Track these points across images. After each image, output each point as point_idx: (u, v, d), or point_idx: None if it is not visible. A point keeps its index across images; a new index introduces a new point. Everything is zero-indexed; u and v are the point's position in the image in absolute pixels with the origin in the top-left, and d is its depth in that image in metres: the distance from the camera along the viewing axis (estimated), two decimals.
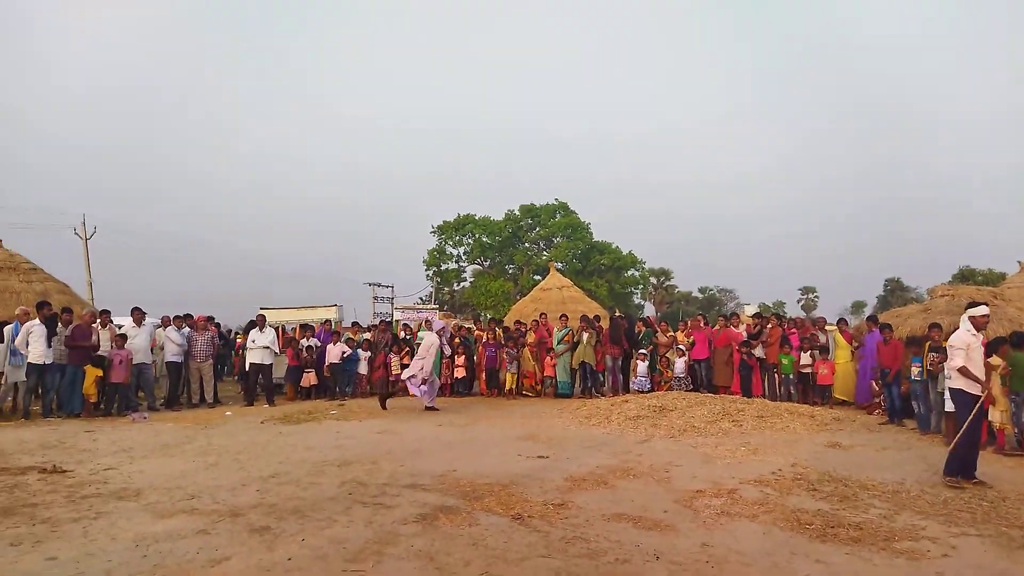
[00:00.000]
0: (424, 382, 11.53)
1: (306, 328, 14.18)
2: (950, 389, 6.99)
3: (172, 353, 12.10)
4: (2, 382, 10.64)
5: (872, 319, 11.78)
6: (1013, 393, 7.94)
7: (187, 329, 12.59)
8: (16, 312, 11.17)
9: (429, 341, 11.74)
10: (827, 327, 13.13)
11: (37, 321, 10.46)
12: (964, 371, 6.58)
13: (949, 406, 7.53)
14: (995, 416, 7.65)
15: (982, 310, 6.78)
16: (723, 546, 4.68)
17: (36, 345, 10.25)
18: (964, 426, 6.45)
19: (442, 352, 13.05)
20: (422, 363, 11.51)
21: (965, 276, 46.66)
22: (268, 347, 12.18)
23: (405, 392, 12.32)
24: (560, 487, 6.21)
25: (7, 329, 10.60)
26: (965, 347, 6.62)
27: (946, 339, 7.56)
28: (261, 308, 14.61)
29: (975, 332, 6.73)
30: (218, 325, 14.60)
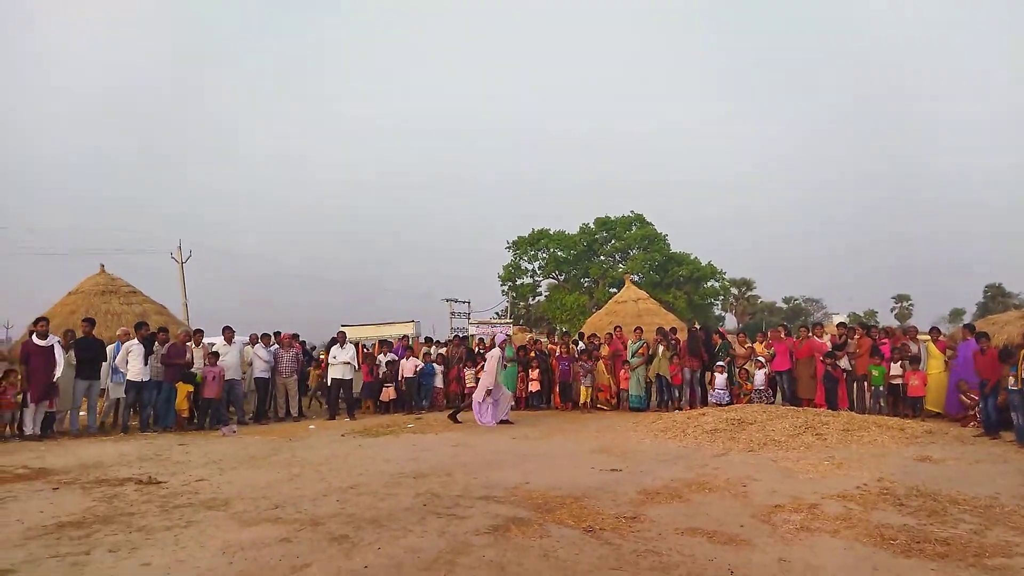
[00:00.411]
0: (488, 396, 11.69)
1: (384, 344, 14.61)
2: None
3: (260, 369, 12.70)
4: (105, 398, 11.47)
5: (968, 327, 11.14)
6: None
7: (274, 346, 13.17)
8: (117, 333, 12.07)
9: (491, 357, 11.95)
10: (919, 336, 12.47)
11: (136, 341, 11.21)
12: None
13: None
14: None
15: None
16: (801, 561, 4.54)
17: (135, 363, 11.01)
18: None
19: (504, 363, 13.36)
20: (485, 379, 11.81)
21: None
22: (348, 362, 12.62)
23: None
24: (633, 500, 6.16)
25: (109, 349, 11.41)
26: None
27: None
28: (342, 325, 15.19)
29: None
30: (303, 343, 15.22)
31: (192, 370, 11.70)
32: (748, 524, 5.42)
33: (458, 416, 11.82)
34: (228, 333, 12.41)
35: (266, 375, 12.76)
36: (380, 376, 13.74)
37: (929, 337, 12.09)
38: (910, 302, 64.58)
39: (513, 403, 12.49)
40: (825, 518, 5.55)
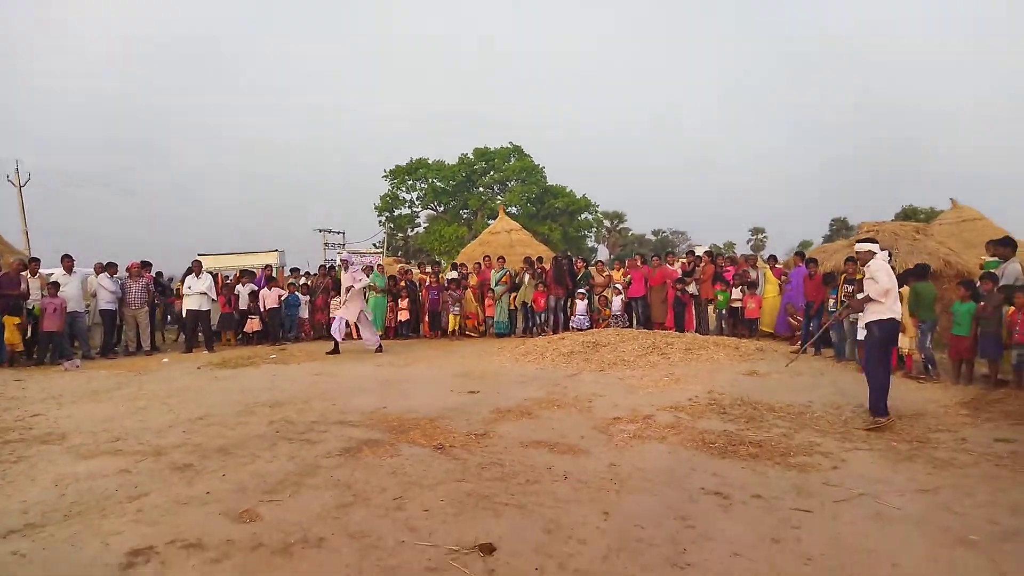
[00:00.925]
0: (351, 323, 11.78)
1: (246, 274, 14.08)
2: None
3: (105, 301, 11.90)
4: None
5: (799, 254, 12.20)
6: (920, 321, 8.42)
7: (121, 276, 12.37)
8: None
9: (353, 281, 11.82)
10: (759, 264, 13.53)
11: None
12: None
13: (861, 334, 7.89)
14: (903, 343, 8.12)
15: (861, 245, 6.74)
16: (629, 465, 4.99)
17: None
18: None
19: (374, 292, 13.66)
20: (346, 304, 11.78)
21: (908, 214, 47.99)
22: (205, 293, 12.08)
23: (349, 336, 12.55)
24: (485, 419, 6.46)
25: None
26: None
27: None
28: (198, 254, 14.44)
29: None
30: (159, 274, 14.35)
31: (28, 302, 10.80)
32: (588, 435, 5.86)
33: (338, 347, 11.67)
34: (67, 262, 11.47)
35: (112, 307, 11.98)
36: (240, 307, 13.30)
37: (767, 264, 13.17)
38: (764, 234, 69.50)
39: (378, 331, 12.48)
40: (657, 427, 6.09)
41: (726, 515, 3.98)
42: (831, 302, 9.80)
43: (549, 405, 7.06)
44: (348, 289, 11.63)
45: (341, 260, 12.85)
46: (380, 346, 11.86)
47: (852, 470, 4.88)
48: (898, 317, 6.42)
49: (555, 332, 13.01)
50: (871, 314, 6.36)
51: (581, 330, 12.41)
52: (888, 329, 6.37)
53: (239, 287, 13.53)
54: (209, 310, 12.34)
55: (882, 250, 6.82)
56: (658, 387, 7.91)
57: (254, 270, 14.67)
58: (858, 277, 6.76)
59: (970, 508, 4.06)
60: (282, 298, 13.56)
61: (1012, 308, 7.52)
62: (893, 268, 7.54)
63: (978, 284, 8.29)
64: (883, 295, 6.26)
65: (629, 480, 4.64)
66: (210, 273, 13.12)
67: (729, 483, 4.56)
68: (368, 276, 12.73)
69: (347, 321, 11.92)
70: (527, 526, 3.79)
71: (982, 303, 7.84)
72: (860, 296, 6.62)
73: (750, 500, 4.22)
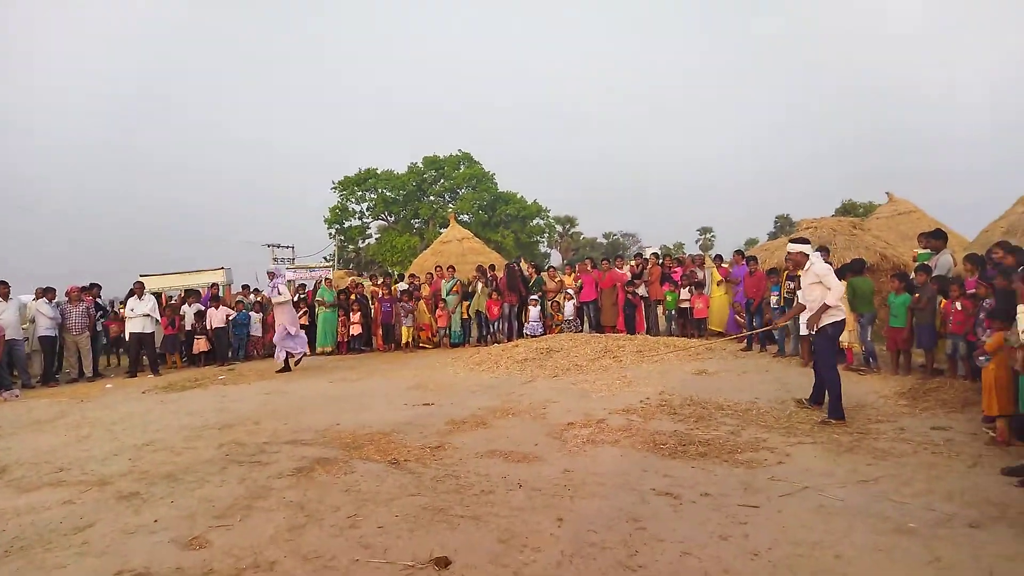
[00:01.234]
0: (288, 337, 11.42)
1: (191, 293, 13.75)
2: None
3: (44, 327, 11.47)
4: None
5: (738, 252, 12.52)
6: (859, 315, 8.72)
7: (60, 301, 11.94)
8: None
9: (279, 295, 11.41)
10: (706, 264, 13.84)
11: None
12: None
13: (803, 330, 8.12)
14: (843, 336, 8.39)
15: (793, 245, 6.84)
16: (583, 470, 5.05)
17: None
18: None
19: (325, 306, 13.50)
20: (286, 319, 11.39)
21: (847, 209, 49.67)
22: (148, 315, 11.75)
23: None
24: (440, 431, 6.45)
25: None
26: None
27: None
28: (141, 275, 14.03)
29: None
30: (98, 297, 13.85)
31: None
32: (542, 442, 5.90)
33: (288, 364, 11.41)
34: (2, 288, 11.02)
35: (52, 333, 11.56)
36: (185, 328, 12.98)
37: (714, 264, 13.48)
38: (712, 233, 71.01)
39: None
40: (609, 431, 6.17)
41: (676, 515, 4.06)
42: (773, 298, 10.09)
43: (504, 414, 7.09)
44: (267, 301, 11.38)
45: (267, 273, 12.41)
46: (288, 365, 11.32)
47: (797, 464, 5.02)
48: (844, 315, 6.64)
49: (509, 340, 13.06)
50: (826, 316, 6.48)
51: (535, 336, 12.49)
52: (840, 328, 6.62)
53: (184, 307, 13.20)
54: (153, 332, 12.00)
55: (816, 250, 7.00)
56: (611, 390, 8.02)
57: (199, 289, 14.32)
58: (798, 274, 6.94)
59: (908, 497, 4.22)
60: (229, 317, 13.27)
61: (946, 299, 7.83)
62: (831, 264, 7.81)
63: (912, 276, 8.62)
64: (840, 299, 6.48)
65: (583, 485, 4.69)
66: (153, 294, 12.78)
67: (679, 483, 4.66)
68: (284, 286, 11.90)
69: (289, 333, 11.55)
70: (482, 537, 3.80)
71: (916, 295, 8.15)
72: (805, 299, 6.72)
73: (699, 499, 4.32)
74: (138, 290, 11.97)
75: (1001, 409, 5.32)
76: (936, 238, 9.09)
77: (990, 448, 5.17)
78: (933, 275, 8.25)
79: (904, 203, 20.15)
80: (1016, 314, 5.03)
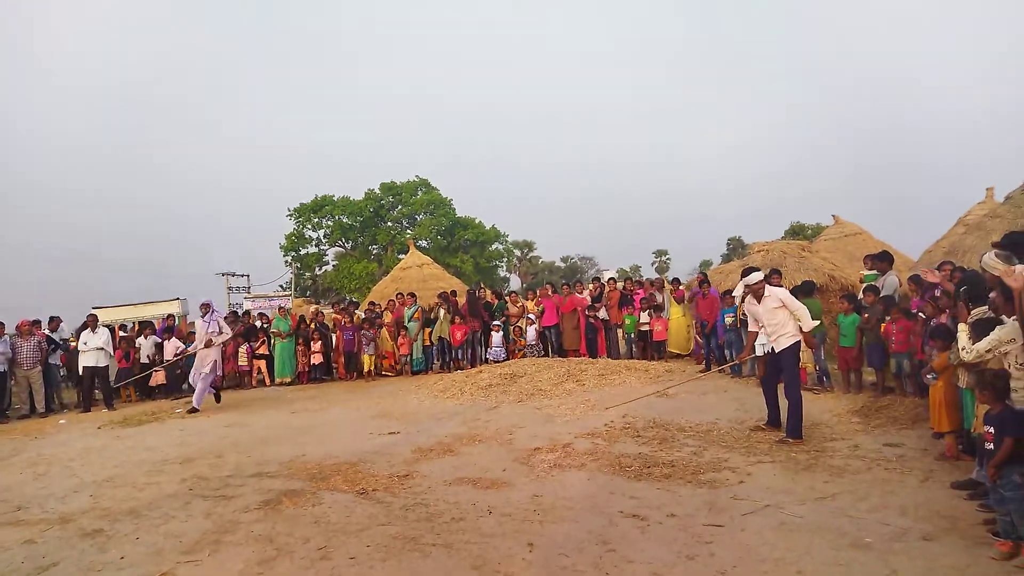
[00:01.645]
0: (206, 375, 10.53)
1: (146, 325, 13.44)
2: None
3: None
4: None
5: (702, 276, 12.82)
6: (812, 335, 9.01)
7: (8, 335, 11.55)
8: None
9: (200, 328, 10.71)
10: (665, 286, 14.13)
11: None
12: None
13: (759, 350, 8.34)
14: (801, 356, 8.66)
15: (751, 278, 6.96)
16: (552, 495, 5.13)
17: None
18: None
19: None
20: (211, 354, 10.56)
21: (796, 231, 51.15)
22: (102, 348, 11.45)
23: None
24: (407, 459, 6.46)
25: None
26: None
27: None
28: (93, 307, 13.70)
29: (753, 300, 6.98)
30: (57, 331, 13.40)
31: None
32: (510, 468, 5.97)
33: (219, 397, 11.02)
34: None
35: (2, 368, 11.17)
36: (141, 360, 12.66)
37: (671, 287, 13.78)
38: (668, 256, 72.27)
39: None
40: (576, 455, 6.26)
41: (644, 536, 4.16)
42: (728, 319, 10.37)
43: (470, 440, 7.12)
44: (208, 342, 10.53)
45: (201, 306, 11.16)
46: (195, 408, 10.33)
47: (757, 483, 5.19)
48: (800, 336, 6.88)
49: (472, 366, 13.09)
50: (788, 338, 6.70)
51: (498, 362, 12.54)
52: (799, 347, 6.85)
53: (140, 339, 12.87)
54: (107, 366, 11.68)
55: (769, 272, 7.19)
56: (575, 414, 8.12)
57: (154, 321, 14.02)
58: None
59: (864, 512, 4.40)
60: (177, 350, 12.79)
61: (887, 320, 8.14)
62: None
63: (860, 297, 8.97)
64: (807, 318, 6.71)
65: (552, 509, 4.77)
66: (107, 327, 12.46)
67: (646, 504, 4.77)
68: (225, 325, 11.17)
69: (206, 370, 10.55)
70: (455, 565, 3.84)
71: (865, 315, 8.46)
72: (768, 324, 6.83)
73: (666, 520, 4.43)
74: (91, 323, 11.66)
75: (949, 425, 5.57)
76: (882, 260, 9.47)
77: (940, 463, 5.40)
78: (880, 295, 8.59)
79: (850, 225, 20.93)
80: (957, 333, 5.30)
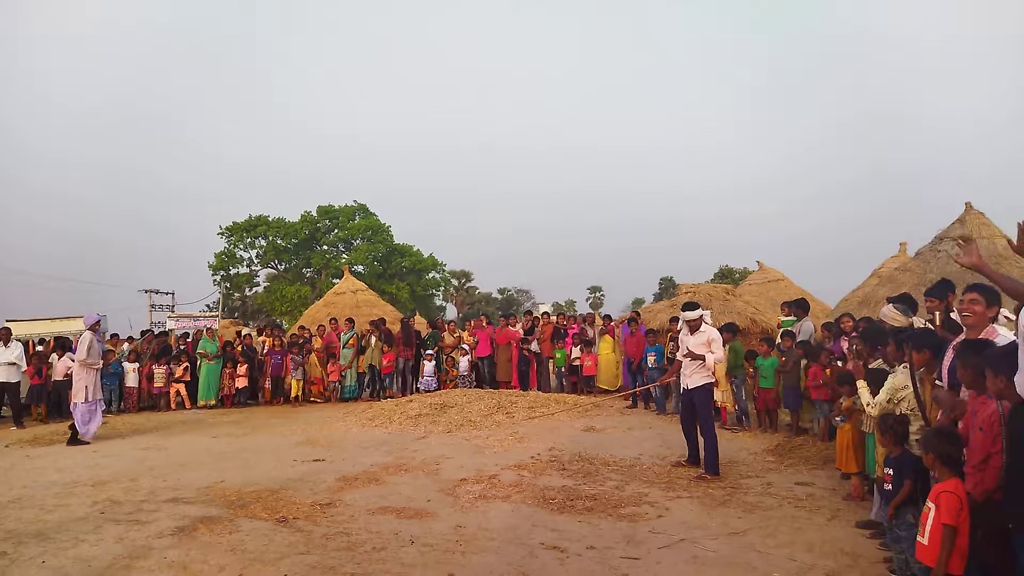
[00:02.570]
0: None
1: (61, 341, 12.83)
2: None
3: None
4: None
5: (635, 313, 13.19)
6: (732, 376, 9.39)
7: None
8: None
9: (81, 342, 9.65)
10: (595, 322, 14.44)
11: None
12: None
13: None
14: (718, 396, 8.99)
15: (691, 313, 7.16)
16: (475, 526, 5.16)
17: None
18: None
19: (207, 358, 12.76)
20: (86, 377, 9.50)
21: (724, 274, 53.09)
22: (14, 363, 10.86)
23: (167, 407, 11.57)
24: (331, 487, 6.38)
25: None
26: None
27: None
28: (7, 320, 13.02)
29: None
30: None
31: None
32: (435, 498, 5.97)
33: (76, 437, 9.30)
34: None
35: None
36: (53, 378, 12.05)
37: (603, 323, 14.09)
38: (602, 292, 73.58)
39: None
40: (501, 486, 6.32)
41: (563, 568, 4.25)
42: (651, 359, 10.68)
43: (397, 470, 7.08)
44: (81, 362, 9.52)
45: (91, 322, 9.97)
46: (77, 438, 9.18)
47: (675, 517, 5.35)
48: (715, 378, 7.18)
49: (403, 394, 13.00)
50: (703, 378, 6.96)
51: (429, 391, 12.51)
52: (712, 388, 7.14)
53: (54, 357, 12.26)
54: (19, 382, 11.08)
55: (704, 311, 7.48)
56: (503, 446, 8.19)
57: (70, 337, 13.39)
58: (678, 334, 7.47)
59: (773, 548, 4.60)
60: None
61: (814, 365, 8.17)
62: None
63: (778, 341, 9.41)
64: (717, 365, 7.02)
65: (474, 540, 4.80)
66: (20, 341, 11.82)
67: (567, 537, 4.86)
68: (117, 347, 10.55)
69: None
70: None
71: (783, 358, 8.87)
72: (685, 356, 7.18)
73: (585, 552, 4.53)
74: (3, 336, 11.08)
75: (855, 467, 5.88)
76: (799, 307, 9.99)
77: (847, 502, 5.67)
78: (797, 340, 9.04)
79: (773, 271, 21.89)
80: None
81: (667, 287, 64.19)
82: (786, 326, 9.87)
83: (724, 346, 9.03)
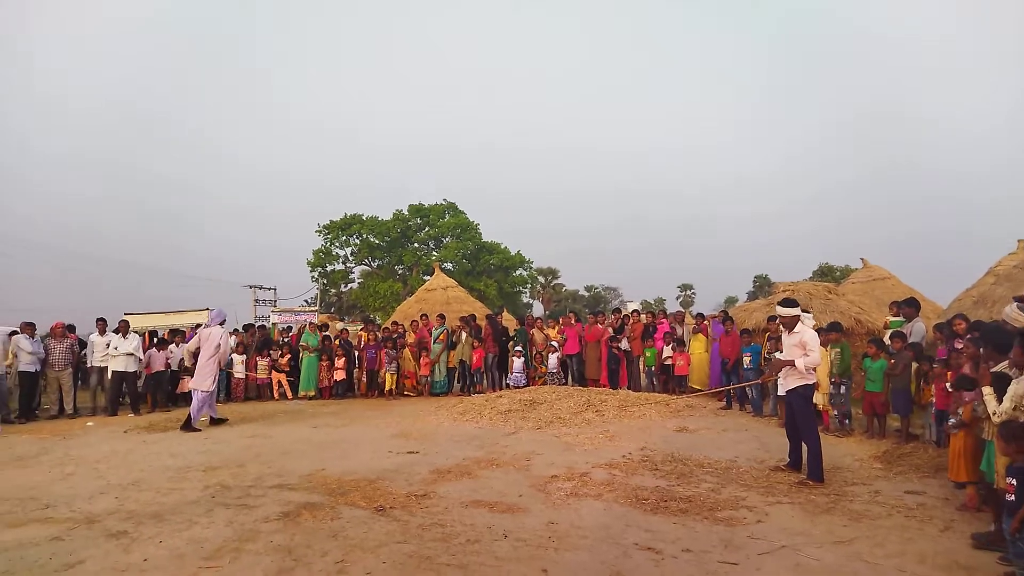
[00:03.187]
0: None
1: (176, 333, 13.73)
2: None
3: (25, 363, 11.39)
4: None
5: (725, 312, 12.82)
6: (839, 378, 8.93)
7: (41, 337, 11.90)
8: None
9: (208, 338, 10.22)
10: (686, 321, 14.13)
11: None
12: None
13: (780, 391, 8.28)
14: (818, 399, 8.59)
15: (785, 311, 6.89)
16: (567, 523, 5.14)
17: None
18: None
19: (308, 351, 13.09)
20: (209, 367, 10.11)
21: (824, 272, 50.75)
22: (132, 354, 11.71)
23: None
24: (425, 479, 6.51)
25: None
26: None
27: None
28: (125, 313, 14.04)
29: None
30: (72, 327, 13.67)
31: None
32: (526, 494, 5.99)
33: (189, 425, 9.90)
34: None
35: (33, 368, 11.47)
36: (172, 367, 12.90)
37: (694, 321, 13.76)
38: (692, 290, 71.91)
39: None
40: (593, 484, 6.27)
41: (658, 569, 4.16)
42: (746, 359, 10.33)
43: (488, 464, 7.16)
44: (196, 352, 10.19)
45: (215, 314, 10.61)
46: (191, 424, 9.83)
47: (775, 523, 5.14)
48: (815, 378, 6.82)
49: (493, 390, 13.14)
50: (796, 379, 6.64)
51: (518, 388, 12.59)
52: (812, 390, 6.79)
53: (173, 346, 13.12)
54: (136, 371, 11.95)
55: (804, 312, 7.14)
56: (594, 444, 8.13)
57: (184, 329, 14.31)
58: (779, 335, 7.15)
59: (882, 558, 4.35)
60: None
61: (934, 372, 7.60)
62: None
63: (888, 343, 8.88)
64: (813, 367, 6.63)
65: (567, 537, 4.78)
66: (137, 333, 12.74)
67: (661, 538, 4.76)
68: (226, 337, 10.64)
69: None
70: None
71: (892, 360, 8.37)
72: (781, 356, 6.91)
73: (680, 554, 4.43)
74: (122, 328, 11.96)
75: (967, 476, 5.50)
76: (909, 306, 9.40)
77: (961, 513, 5.32)
78: (908, 342, 8.52)
79: (878, 269, 20.75)
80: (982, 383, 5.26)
81: (761, 285, 62.05)
82: (895, 326, 9.32)
83: (828, 347, 8.72)
